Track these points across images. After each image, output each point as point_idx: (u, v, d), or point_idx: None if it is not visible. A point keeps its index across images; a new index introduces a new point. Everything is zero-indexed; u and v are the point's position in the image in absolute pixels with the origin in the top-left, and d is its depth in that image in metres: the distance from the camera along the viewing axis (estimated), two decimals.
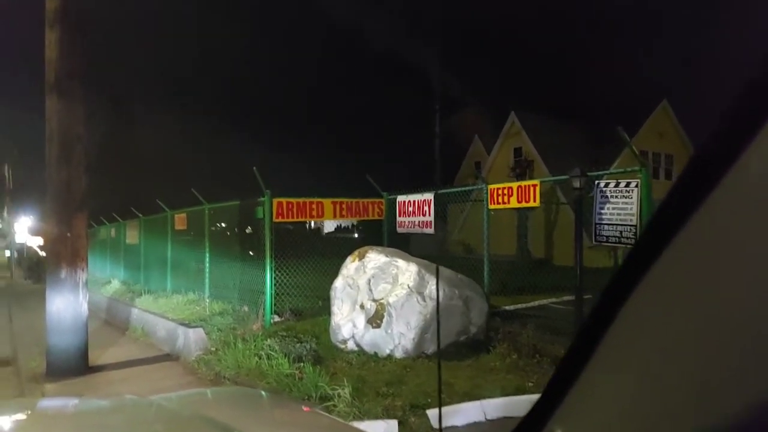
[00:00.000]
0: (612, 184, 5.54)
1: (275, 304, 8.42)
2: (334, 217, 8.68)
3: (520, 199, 6.56)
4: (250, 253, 10.02)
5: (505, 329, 6.41)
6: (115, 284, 15.13)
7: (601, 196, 5.64)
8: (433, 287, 6.17)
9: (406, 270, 6.35)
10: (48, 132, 6.70)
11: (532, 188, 6.40)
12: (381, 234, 9.30)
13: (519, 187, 6.58)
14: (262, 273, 8.41)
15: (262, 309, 8.23)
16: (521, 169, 22.65)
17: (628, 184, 5.36)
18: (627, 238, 5.39)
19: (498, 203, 6.94)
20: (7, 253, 35.19)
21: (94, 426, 1.74)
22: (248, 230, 10.32)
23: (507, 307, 9.73)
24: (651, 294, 0.65)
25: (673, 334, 0.62)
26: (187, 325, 8.00)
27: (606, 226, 5.61)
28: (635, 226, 5.30)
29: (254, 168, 7.69)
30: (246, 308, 8.94)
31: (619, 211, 5.45)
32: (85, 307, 7.18)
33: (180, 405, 2.05)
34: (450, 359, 5.96)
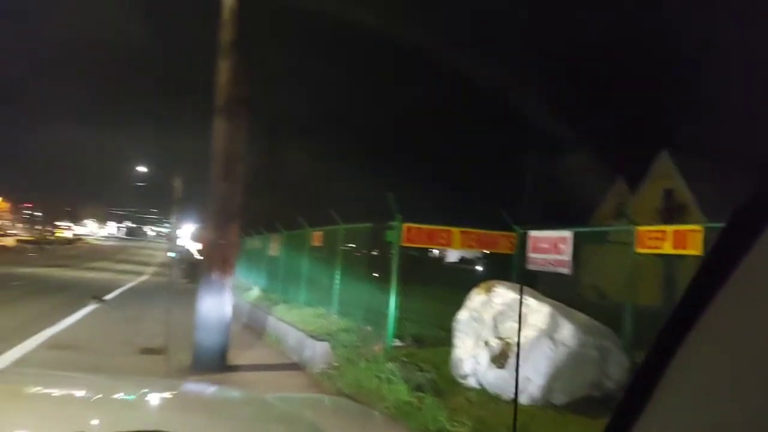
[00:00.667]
0: None
1: (397, 329, 8.48)
2: (462, 246, 8.59)
3: (675, 245, 5.90)
4: (377, 275, 10.26)
5: None
6: (256, 291, 16.44)
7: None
8: (566, 332, 5.76)
9: (538, 310, 6.01)
10: (214, 150, 7.54)
11: (691, 234, 5.73)
12: (507, 269, 8.98)
13: (675, 231, 5.93)
14: (387, 295, 8.55)
15: (385, 331, 8.33)
16: (670, 213, 20.57)
17: None
18: None
19: (648, 247, 6.31)
20: (170, 254, 40.23)
21: (225, 412, 1.90)
22: (376, 252, 10.61)
23: None
24: (733, 298, 0.66)
25: (757, 338, 0.62)
26: (315, 338, 8.36)
27: None
28: None
29: (389, 194, 7.91)
30: (369, 328, 9.13)
31: None
32: (229, 309, 7.84)
33: (299, 406, 2.17)
34: (580, 413, 5.49)
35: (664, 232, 6.09)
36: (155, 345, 8.90)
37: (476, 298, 6.69)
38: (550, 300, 6.28)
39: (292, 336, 9.31)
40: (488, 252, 8.86)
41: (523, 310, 6.18)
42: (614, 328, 6.88)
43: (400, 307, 8.58)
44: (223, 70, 7.50)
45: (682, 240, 5.85)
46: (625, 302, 6.90)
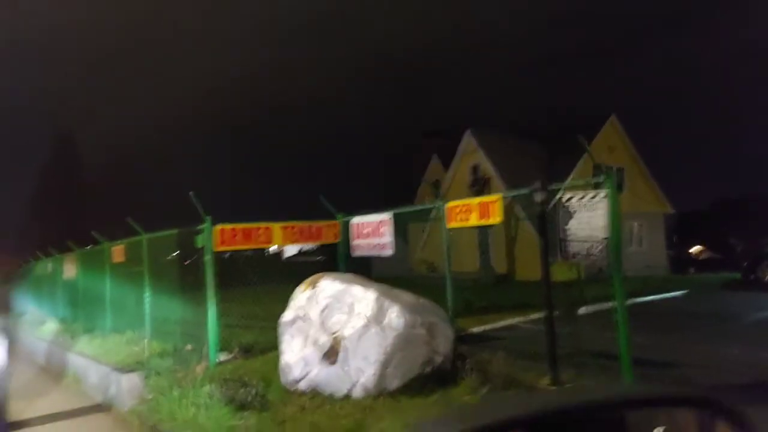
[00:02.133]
0: (576, 198, 5.18)
1: (222, 341, 7.66)
2: (285, 242, 8.05)
3: (481, 215, 6.13)
4: (194, 285, 9.23)
5: (475, 357, 5.89)
6: (52, 324, 13.86)
7: (565, 211, 5.27)
8: (393, 316, 5.62)
9: (363, 298, 5.78)
10: None
11: (491, 204, 5.99)
12: (348, 258, 8.73)
13: (480, 203, 6.15)
14: (205, 307, 7.67)
15: (207, 347, 7.46)
16: (479, 187, 22.59)
17: (593, 197, 5.01)
18: (595, 254, 5.02)
19: (457, 221, 6.50)
20: None
21: None
22: (189, 261, 9.55)
23: (473, 330, 9.26)
24: None
25: None
26: (121, 370, 7.14)
27: (573, 243, 5.23)
28: (602, 240, 4.94)
29: (191, 193, 7.01)
30: (190, 347, 8.12)
31: (584, 226, 5.08)
32: (3, 355, 6.35)
33: None
34: (414, 395, 5.39)
35: (469, 205, 6.28)
36: None
37: (301, 296, 6.24)
38: (376, 284, 6.11)
39: (94, 372, 7.89)
40: (316, 243, 8.43)
41: (349, 299, 5.90)
42: (442, 300, 7.05)
43: (225, 314, 7.76)
44: None
45: (485, 211, 6.09)
46: (445, 274, 7.06)
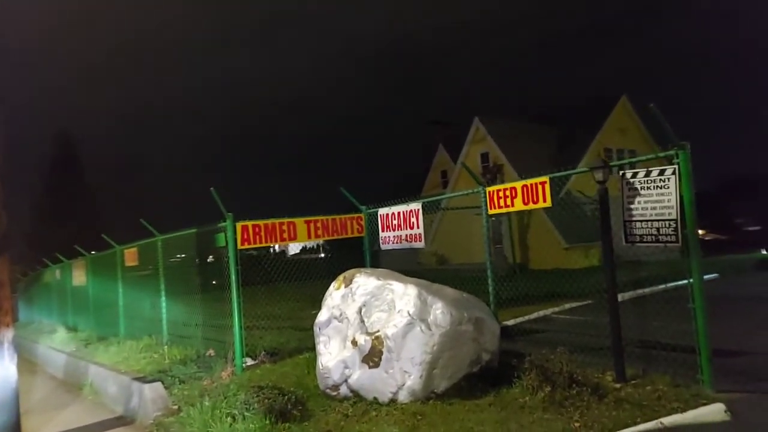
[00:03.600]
0: (641, 174, 4.70)
1: (246, 345, 7.23)
2: (309, 237, 7.60)
3: (526, 200, 5.66)
4: (213, 284, 8.80)
5: (532, 354, 5.42)
6: (62, 332, 13.47)
7: (629, 189, 4.79)
8: (438, 312, 5.17)
9: (404, 294, 5.32)
10: None
11: (540, 186, 5.51)
12: (356, 253, 8.29)
13: (525, 186, 5.67)
14: (227, 309, 7.23)
15: (232, 351, 7.03)
16: (491, 175, 22.08)
17: (662, 172, 4.53)
18: (666, 235, 4.54)
19: (500, 207, 6.03)
20: None
21: None
22: (210, 260, 9.10)
23: (507, 323, 8.82)
24: None
25: None
26: (143, 380, 6.71)
27: (638, 224, 4.76)
28: (675, 220, 4.46)
29: (212, 189, 6.55)
30: (212, 352, 7.70)
31: (654, 205, 4.61)
32: (12, 372, 5.87)
33: None
34: (465, 398, 4.95)
35: (514, 189, 5.81)
36: None
37: (336, 294, 5.78)
38: (414, 279, 5.65)
39: (113, 382, 7.45)
40: (334, 238, 7.97)
41: (388, 296, 5.45)
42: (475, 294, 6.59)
43: (246, 316, 7.32)
44: None
45: (533, 194, 5.62)
46: (486, 266, 6.60)
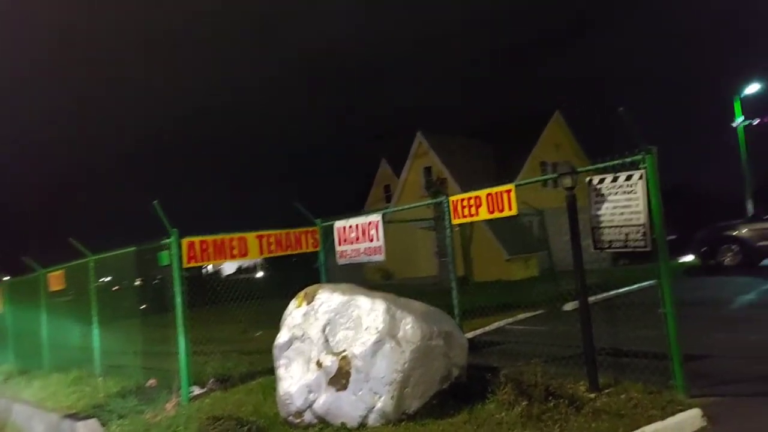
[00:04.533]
0: (608, 180, 4.71)
1: (193, 372, 6.65)
2: (261, 253, 7.15)
3: (492, 209, 5.56)
4: (153, 309, 8.12)
5: (502, 367, 5.27)
6: None
7: (596, 195, 4.79)
8: (408, 327, 4.92)
9: (371, 309, 5.04)
10: None
11: (506, 194, 5.44)
12: (301, 270, 7.92)
13: (490, 195, 5.58)
14: (170, 333, 6.63)
15: (177, 380, 6.43)
16: (435, 188, 22.24)
17: (629, 177, 4.55)
18: (635, 240, 4.55)
19: (464, 216, 5.90)
20: None
21: None
22: (157, 280, 8.40)
23: (467, 335, 8.68)
24: None
25: None
26: (75, 417, 6.01)
27: (607, 230, 4.75)
28: (644, 225, 4.48)
29: (155, 202, 6.00)
30: (154, 382, 7.04)
31: (621, 210, 4.61)
32: None
33: None
34: (440, 417, 4.71)
35: (478, 197, 5.70)
36: None
37: (296, 312, 5.40)
38: (382, 293, 5.38)
39: (41, 420, 6.65)
40: (288, 253, 7.56)
41: (354, 312, 5.14)
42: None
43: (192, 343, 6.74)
44: None
45: (498, 203, 5.54)
46: (450, 276, 6.45)
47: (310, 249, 7.76)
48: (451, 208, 6.04)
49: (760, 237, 13.29)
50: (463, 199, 5.92)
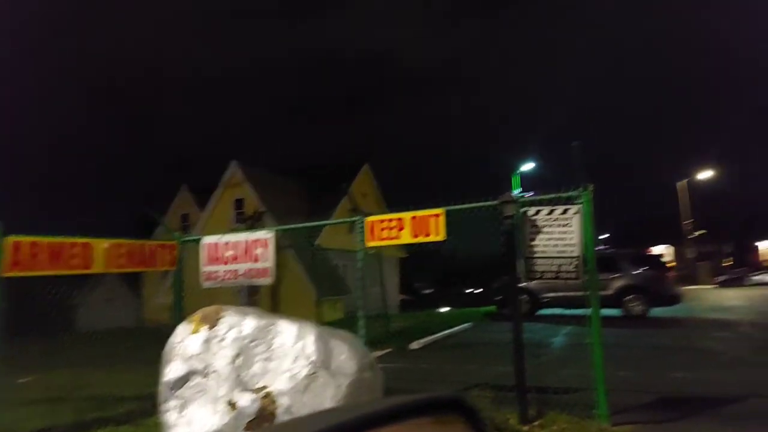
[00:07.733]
0: (545, 212, 4.88)
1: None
2: (109, 267, 5.52)
3: (416, 233, 5.27)
4: None
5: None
6: None
7: (532, 226, 4.91)
8: (343, 357, 4.24)
9: (298, 336, 4.20)
10: None
11: (433, 219, 5.22)
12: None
13: (414, 218, 5.29)
14: None
15: None
16: (252, 221, 20.99)
17: (565, 211, 4.79)
18: (567, 272, 4.75)
19: (382, 239, 5.47)
20: None
21: None
22: None
23: None
24: None
25: None
26: None
27: (540, 261, 4.88)
28: (577, 257, 4.72)
29: None
30: None
31: (556, 242, 4.80)
32: None
33: None
34: None
35: (400, 220, 5.39)
36: None
37: (193, 339, 4.20)
38: (304, 320, 4.57)
39: None
40: (140, 270, 6.03)
41: (276, 339, 4.25)
42: None
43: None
44: None
45: (424, 227, 5.31)
46: (357, 306, 5.88)
47: (166, 267, 6.34)
48: (367, 229, 5.57)
49: (545, 289, 15.64)
50: (382, 220, 5.52)
